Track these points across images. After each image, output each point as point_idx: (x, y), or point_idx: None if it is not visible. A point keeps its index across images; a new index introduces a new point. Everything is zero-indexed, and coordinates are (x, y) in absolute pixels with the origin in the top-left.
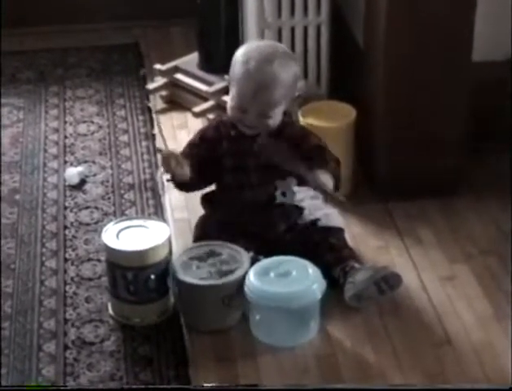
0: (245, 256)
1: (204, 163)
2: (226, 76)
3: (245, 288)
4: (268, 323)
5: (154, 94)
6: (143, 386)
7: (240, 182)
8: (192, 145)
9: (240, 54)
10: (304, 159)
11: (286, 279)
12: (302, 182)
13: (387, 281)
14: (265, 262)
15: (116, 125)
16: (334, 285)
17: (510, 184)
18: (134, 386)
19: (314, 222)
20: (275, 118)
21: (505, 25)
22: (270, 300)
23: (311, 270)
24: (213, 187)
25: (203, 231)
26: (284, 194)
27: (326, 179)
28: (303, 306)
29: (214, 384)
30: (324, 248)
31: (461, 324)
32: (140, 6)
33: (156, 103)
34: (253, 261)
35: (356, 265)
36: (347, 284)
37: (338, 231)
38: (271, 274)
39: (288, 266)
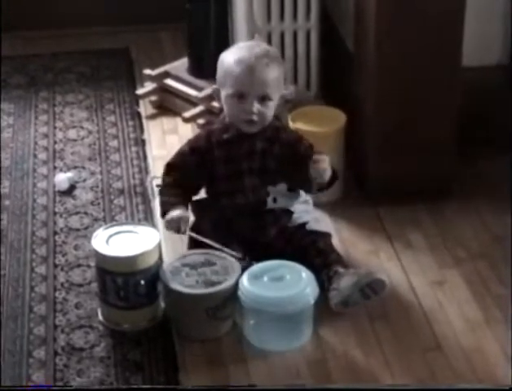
0: (237, 269)
1: (195, 172)
2: (214, 86)
3: (239, 293)
4: (262, 328)
5: (144, 99)
6: (135, 386)
7: (233, 188)
8: (181, 155)
9: (227, 51)
10: (299, 160)
11: (280, 284)
12: (292, 189)
13: (372, 287)
14: (259, 267)
15: (105, 130)
16: (323, 289)
17: (510, 188)
18: (130, 386)
19: (302, 225)
20: (270, 111)
21: (495, 30)
22: (263, 305)
23: (304, 275)
24: (203, 193)
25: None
26: (275, 200)
27: (325, 168)
28: (297, 311)
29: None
30: (312, 253)
31: (450, 328)
32: (130, 11)
33: (147, 108)
34: (245, 266)
35: (340, 269)
36: (332, 291)
37: (326, 236)
38: (265, 279)
39: (282, 271)
